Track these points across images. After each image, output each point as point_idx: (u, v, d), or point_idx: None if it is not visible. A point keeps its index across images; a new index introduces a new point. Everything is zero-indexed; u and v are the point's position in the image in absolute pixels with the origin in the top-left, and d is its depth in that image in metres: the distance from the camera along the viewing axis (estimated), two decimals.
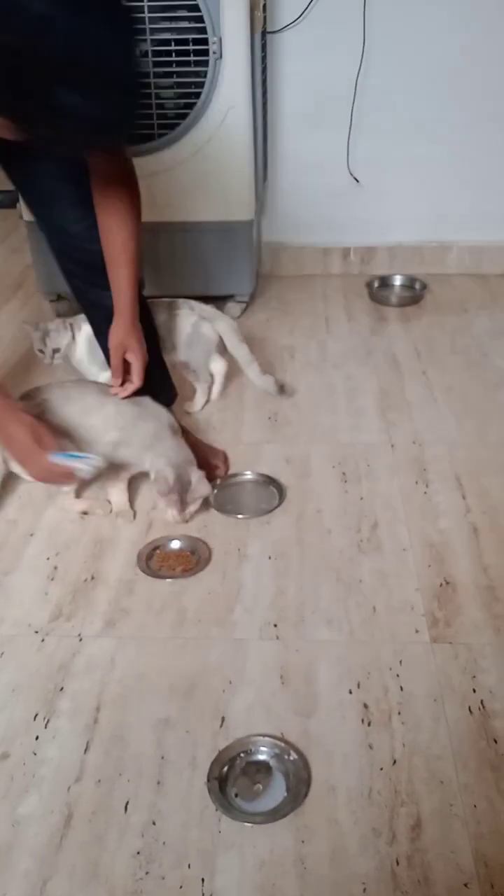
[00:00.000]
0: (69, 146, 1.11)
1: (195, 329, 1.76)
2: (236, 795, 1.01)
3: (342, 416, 1.82)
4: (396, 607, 1.28)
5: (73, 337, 1.74)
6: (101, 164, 1.30)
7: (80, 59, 0.86)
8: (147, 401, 1.47)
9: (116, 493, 1.50)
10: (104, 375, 1.72)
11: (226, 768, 1.03)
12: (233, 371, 1.88)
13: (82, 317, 1.70)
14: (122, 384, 1.45)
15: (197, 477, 1.43)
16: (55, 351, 1.72)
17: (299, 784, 1.00)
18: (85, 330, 1.72)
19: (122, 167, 1.33)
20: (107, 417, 1.43)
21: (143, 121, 2.03)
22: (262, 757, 1.05)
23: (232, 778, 1.02)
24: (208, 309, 1.79)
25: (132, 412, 1.45)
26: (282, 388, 1.86)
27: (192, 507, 1.46)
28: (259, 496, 1.57)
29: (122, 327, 1.42)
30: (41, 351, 1.73)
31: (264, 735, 1.07)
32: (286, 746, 1.05)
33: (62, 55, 0.85)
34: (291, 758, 1.04)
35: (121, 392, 1.45)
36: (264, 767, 1.04)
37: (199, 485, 1.43)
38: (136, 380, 1.44)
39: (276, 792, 1.01)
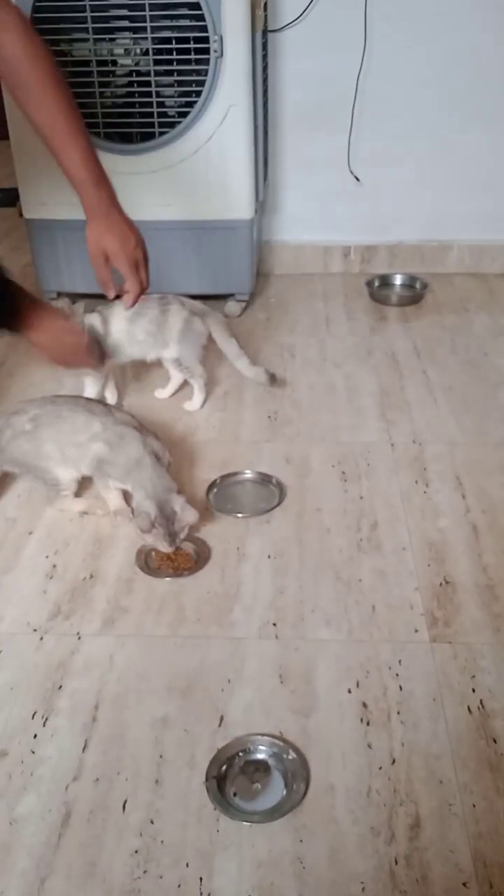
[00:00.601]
0: None
1: (187, 324, 1.76)
2: (235, 794, 1.00)
3: (342, 416, 1.82)
4: (396, 606, 1.28)
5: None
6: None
7: None
8: (132, 423, 1.47)
9: (112, 496, 1.50)
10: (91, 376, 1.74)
11: (224, 767, 1.03)
12: (232, 370, 1.88)
13: (115, 303, 1.68)
14: (118, 296, 1.27)
15: (180, 504, 1.37)
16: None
17: (298, 783, 1.00)
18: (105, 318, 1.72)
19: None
20: (94, 434, 1.43)
21: (144, 119, 2.03)
22: (260, 756, 1.05)
23: (230, 777, 1.02)
24: (198, 304, 1.80)
25: (117, 432, 1.43)
26: (272, 378, 1.86)
27: (182, 535, 1.39)
28: (258, 495, 1.56)
29: (94, 225, 1.21)
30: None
31: (263, 734, 1.07)
32: (285, 745, 1.05)
33: None
34: (290, 757, 1.04)
35: (125, 303, 1.26)
36: (263, 766, 1.03)
37: (185, 513, 1.37)
38: (131, 286, 1.24)
39: (275, 791, 1.01)
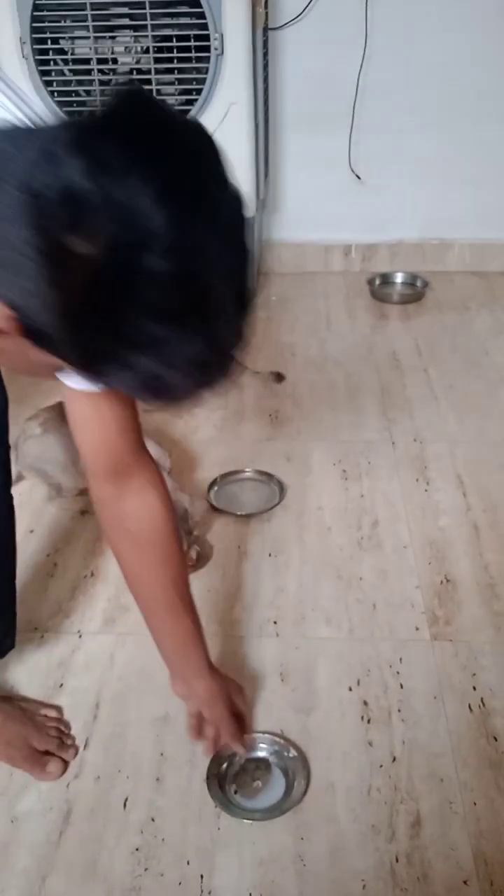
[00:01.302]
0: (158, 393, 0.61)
1: None
2: (235, 792, 1.00)
3: (343, 414, 1.82)
4: (396, 605, 1.28)
5: None
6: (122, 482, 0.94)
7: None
8: None
9: None
10: None
11: (225, 765, 1.03)
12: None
13: None
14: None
15: (188, 500, 1.38)
16: None
17: (299, 781, 1.00)
18: None
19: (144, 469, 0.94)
20: None
21: None
22: (261, 754, 1.05)
23: (231, 775, 1.02)
24: None
25: None
26: (279, 377, 1.90)
27: (196, 530, 1.39)
28: (259, 493, 1.56)
29: (214, 686, 1.03)
30: None
31: (264, 732, 1.07)
32: (286, 743, 1.05)
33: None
34: (291, 755, 1.04)
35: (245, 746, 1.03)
36: (264, 764, 1.03)
37: (195, 505, 1.38)
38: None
39: (276, 789, 1.01)
